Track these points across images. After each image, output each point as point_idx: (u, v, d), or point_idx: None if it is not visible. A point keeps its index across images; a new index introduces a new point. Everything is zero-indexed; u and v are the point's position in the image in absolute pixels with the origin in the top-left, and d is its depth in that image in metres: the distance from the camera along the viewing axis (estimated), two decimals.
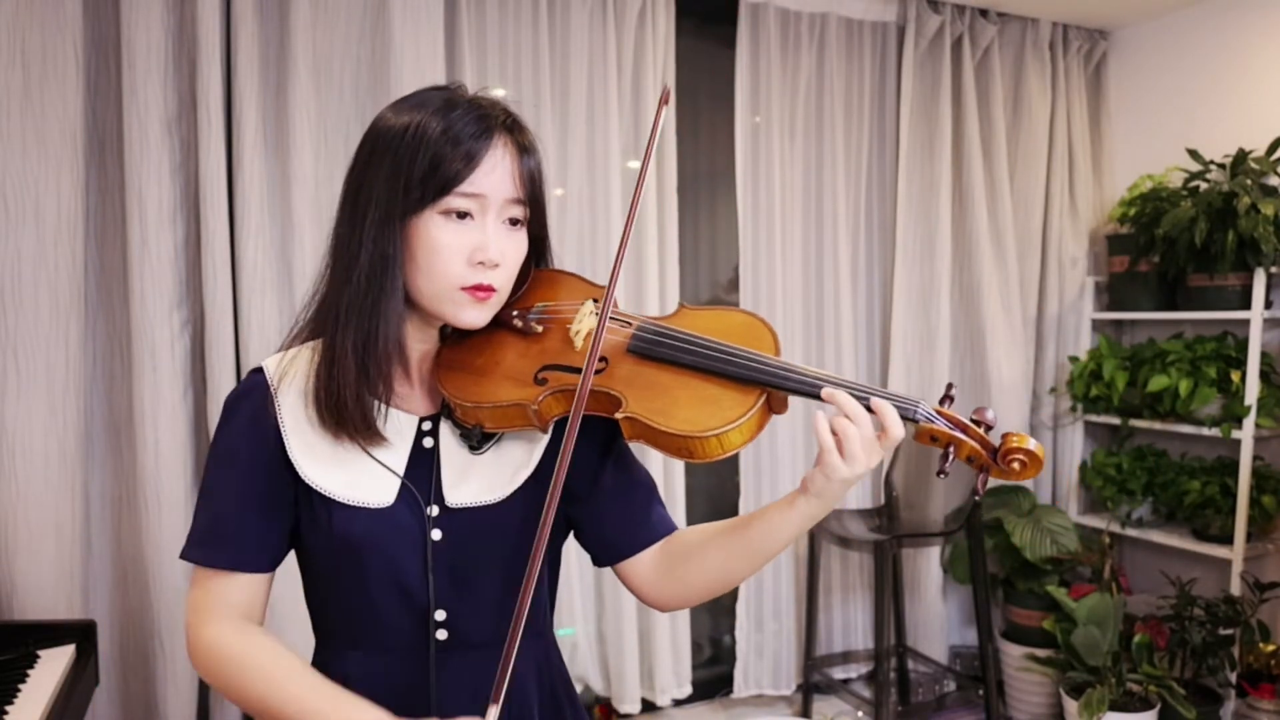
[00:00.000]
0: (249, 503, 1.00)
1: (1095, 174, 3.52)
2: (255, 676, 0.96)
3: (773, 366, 0.96)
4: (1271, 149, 2.85)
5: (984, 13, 3.25)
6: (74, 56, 2.07)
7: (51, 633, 1.76)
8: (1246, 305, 2.89)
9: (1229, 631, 2.77)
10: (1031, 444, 0.93)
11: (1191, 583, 2.86)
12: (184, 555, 1.01)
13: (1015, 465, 0.94)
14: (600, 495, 1.08)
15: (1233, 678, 2.77)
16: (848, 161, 3.18)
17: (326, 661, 1.06)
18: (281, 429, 1.00)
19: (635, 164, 2.83)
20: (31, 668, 1.64)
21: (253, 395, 1.02)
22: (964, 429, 0.96)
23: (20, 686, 1.56)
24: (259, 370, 1.04)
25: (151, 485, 2.17)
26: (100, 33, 2.16)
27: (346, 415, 0.97)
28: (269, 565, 1.02)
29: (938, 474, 0.97)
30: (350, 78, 2.40)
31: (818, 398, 0.94)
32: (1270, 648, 2.76)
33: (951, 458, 0.96)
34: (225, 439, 1.02)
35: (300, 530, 1.04)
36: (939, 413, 0.97)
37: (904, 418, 0.95)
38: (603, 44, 2.73)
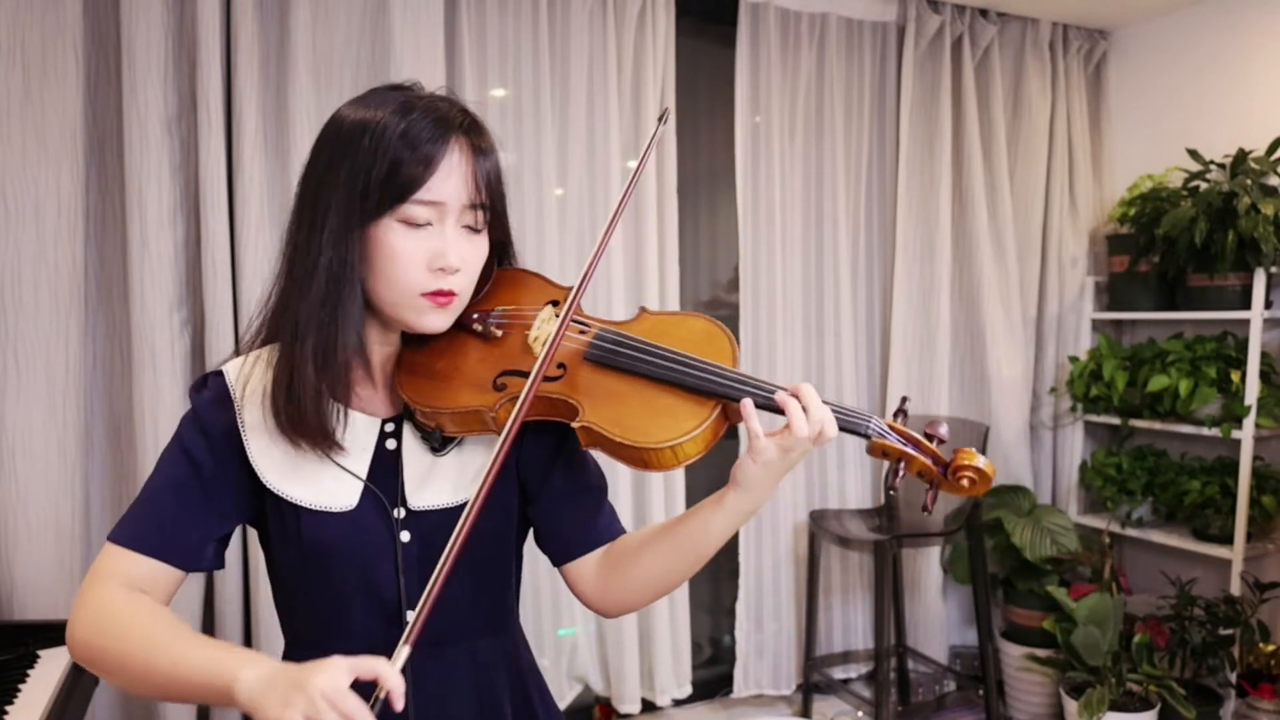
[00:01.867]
0: (179, 498, 0.99)
1: (1095, 174, 3.52)
2: (139, 635, 0.90)
3: (728, 378, 0.96)
4: (1271, 149, 2.85)
5: (984, 13, 3.25)
6: (74, 56, 2.07)
7: (51, 633, 1.76)
8: (1246, 305, 2.89)
9: (1229, 631, 2.77)
10: (981, 461, 0.95)
11: (1191, 583, 2.86)
12: (109, 536, 0.98)
13: (964, 482, 0.96)
14: (550, 496, 1.08)
15: (1233, 678, 2.77)
16: (848, 161, 3.18)
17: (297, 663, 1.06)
18: (243, 436, 0.99)
19: (634, 164, 2.83)
20: (31, 668, 1.64)
21: (216, 399, 1.01)
22: (916, 444, 0.97)
23: (20, 686, 1.56)
24: (219, 374, 1.03)
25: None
26: (100, 33, 2.16)
27: (306, 424, 0.96)
28: (187, 563, 0.99)
29: (887, 490, 0.99)
30: (350, 78, 2.39)
31: (772, 408, 0.94)
32: (1270, 648, 2.76)
33: (902, 473, 0.97)
34: (177, 436, 1.01)
35: (270, 540, 1.04)
36: (891, 428, 0.97)
37: (856, 433, 0.96)
38: (603, 44, 2.73)
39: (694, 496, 3.01)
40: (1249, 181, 2.82)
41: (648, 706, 2.95)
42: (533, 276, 1.11)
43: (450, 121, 0.96)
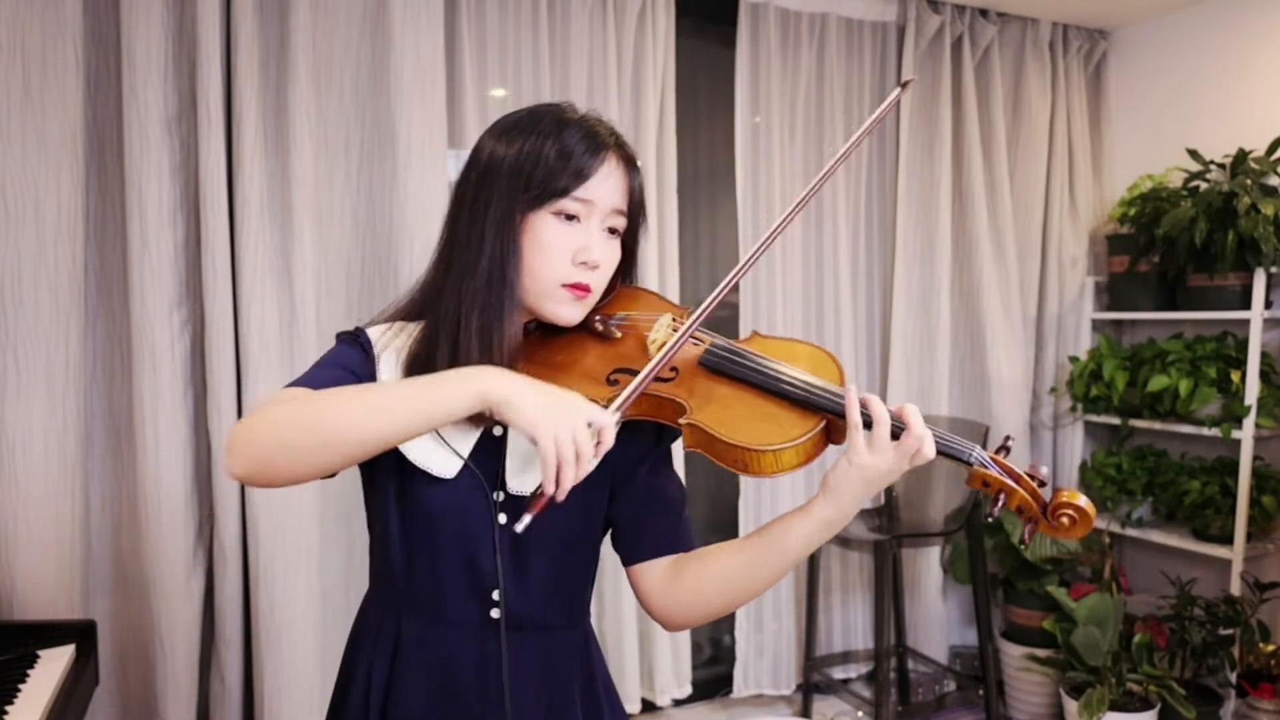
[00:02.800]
0: (352, 375, 1.05)
1: (1095, 174, 3.52)
2: (342, 392, 0.95)
3: (836, 394, 0.99)
4: (1271, 149, 2.85)
5: (984, 13, 3.25)
6: (74, 56, 2.07)
7: (51, 633, 1.76)
8: (1246, 305, 2.89)
9: (1229, 631, 2.77)
10: (1082, 501, 0.97)
11: (1191, 583, 2.86)
12: (289, 383, 1.01)
13: (1064, 520, 0.97)
14: (631, 496, 1.12)
15: (1233, 678, 2.77)
16: (848, 162, 3.17)
17: (381, 625, 1.10)
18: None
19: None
20: (31, 668, 1.64)
21: (360, 346, 1.08)
22: (1018, 480, 0.99)
23: (20, 686, 1.56)
24: (362, 331, 1.10)
25: (151, 485, 2.17)
26: (100, 33, 2.16)
27: None
28: None
29: (986, 517, 1.02)
30: (350, 78, 2.40)
31: (870, 425, 0.97)
32: (1270, 648, 2.76)
33: (1002, 504, 0.99)
34: (347, 352, 1.08)
35: (379, 488, 1.08)
36: (994, 460, 1.00)
37: (957, 459, 0.99)
38: (603, 44, 2.73)
39: (694, 496, 3.01)
40: (1249, 181, 2.81)
41: (648, 706, 2.95)
42: (651, 294, 1.18)
43: (609, 134, 1.07)
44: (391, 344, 1.08)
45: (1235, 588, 2.83)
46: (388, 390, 0.96)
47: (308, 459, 0.91)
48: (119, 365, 2.22)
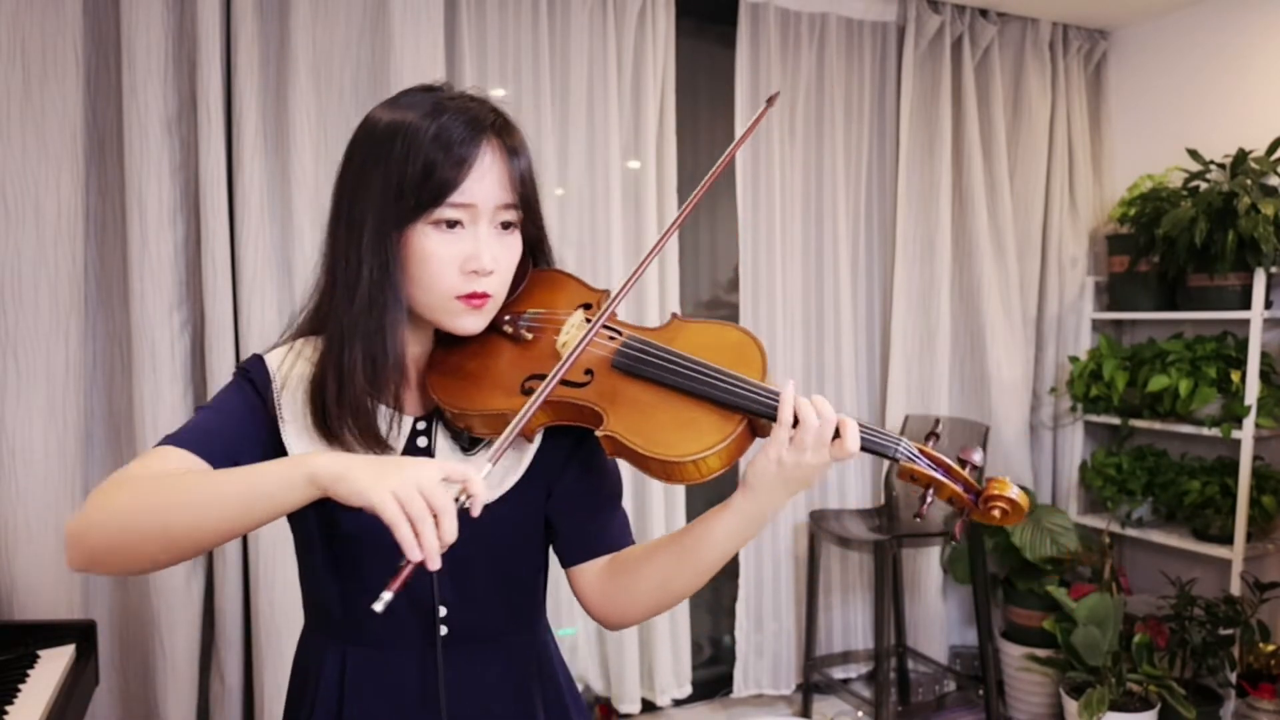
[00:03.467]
0: (239, 425, 0.99)
1: (1095, 174, 3.52)
2: (172, 484, 0.87)
3: (755, 391, 0.94)
4: (1271, 149, 2.85)
5: (984, 13, 3.25)
6: (74, 56, 2.07)
7: (51, 633, 1.76)
8: (1246, 305, 2.89)
9: (1229, 631, 2.77)
10: (1013, 492, 0.93)
11: (1191, 583, 2.86)
12: (163, 439, 0.95)
13: (996, 512, 0.94)
14: (562, 496, 1.08)
15: (1233, 678, 2.77)
16: (848, 161, 3.18)
17: (322, 658, 1.06)
18: (280, 422, 1.00)
19: (635, 164, 2.83)
20: (31, 668, 1.64)
21: (257, 379, 1.02)
22: (947, 470, 0.95)
23: (20, 686, 1.56)
24: (260, 360, 1.04)
25: None
26: (100, 33, 2.16)
27: (357, 425, 0.97)
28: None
29: (915, 516, 0.97)
30: (350, 78, 2.39)
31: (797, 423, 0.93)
32: (1270, 648, 2.76)
33: (931, 499, 0.96)
34: (236, 394, 1.02)
35: (302, 528, 1.04)
36: (922, 452, 0.95)
37: (884, 455, 0.94)
38: (603, 44, 2.73)
39: (694, 496, 3.01)
40: (1249, 181, 2.81)
41: (648, 706, 2.95)
42: (568, 278, 1.10)
43: (482, 122, 0.96)
44: (293, 370, 1.02)
45: (1235, 588, 2.83)
46: (219, 484, 0.85)
47: (144, 556, 0.86)
48: (119, 365, 2.22)
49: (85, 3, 2.11)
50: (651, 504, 2.85)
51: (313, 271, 1.05)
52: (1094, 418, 3.34)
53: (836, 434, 0.92)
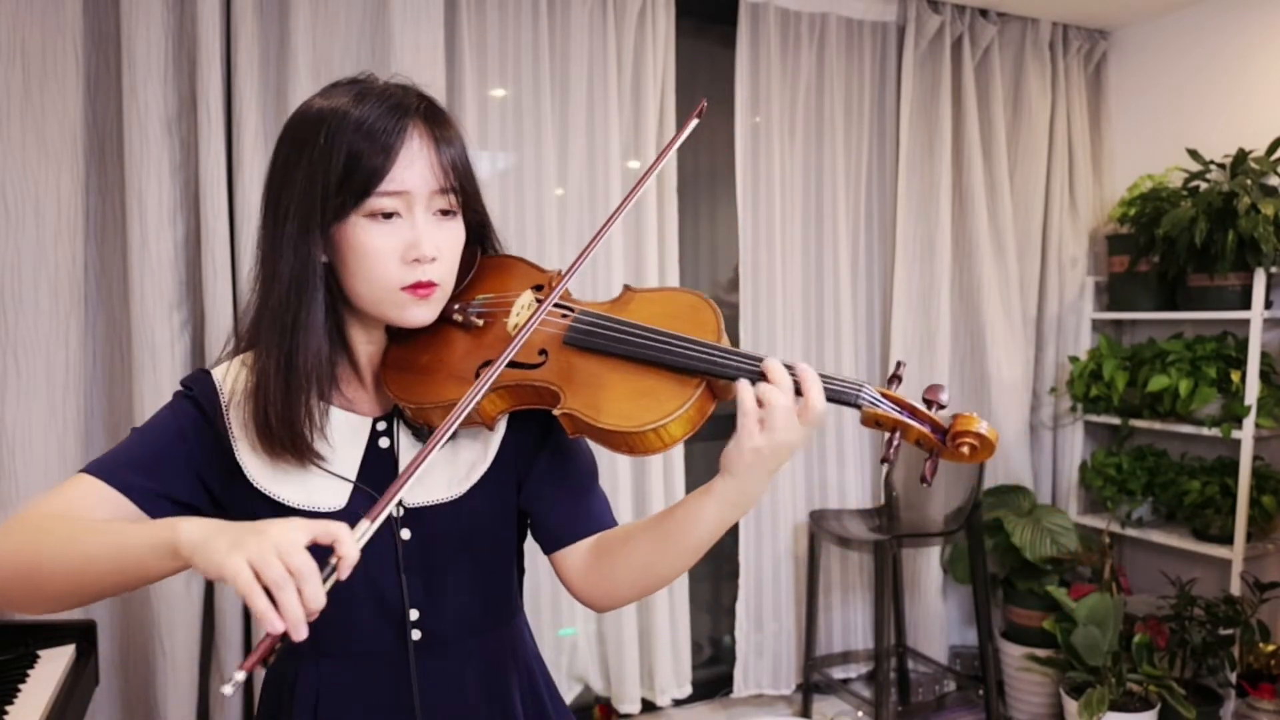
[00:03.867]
0: (167, 453, 0.96)
1: (1095, 174, 3.52)
2: (61, 523, 0.85)
3: (710, 352, 0.92)
4: (1271, 149, 2.85)
5: (984, 13, 3.25)
6: (74, 56, 2.07)
7: (51, 633, 1.75)
8: (1246, 305, 2.89)
9: (1229, 631, 2.77)
10: (982, 426, 0.89)
11: (1191, 583, 2.86)
12: (83, 468, 0.94)
13: (964, 449, 0.89)
14: (537, 483, 1.06)
15: (1233, 678, 2.77)
16: (848, 161, 3.17)
17: (294, 673, 1.03)
18: (232, 439, 0.97)
19: (635, 164, 2.83)
20: (31, 668, 1.64)
21: (202, 398, 1.00)
22: (912, 411, 0.91)
23: (20, 686, 1.56)
24: (207, 375, 1.01)
25: None
26: (100, 33, 2.16)
27: (275, 434, 0.94)
28: (144, 505, 0.94)
29: (881, 461, 0.92)
30: None
31: (759, 378, 0.89)
32: (1270, 648, 2.76)
33: (898, 443, 0.91)
34: (176, 408, 0.99)
35: None
36: (885, 395, 0.91)
37: (845, 402, 0.90)
38: (603, 44, 2.73)
39: (695, 483, 3.01)
40: (1249, 181, 2.81)
41: (648, 706, 2.95)
42: (517, 262, 1.08)
43: (406, 107, 0.94)
44: (238, 384, 0.98)
45: (1235, 588, 2.83)
46: (91, 542, 0.82)
47: (38, 601, 0.85)
48: (119, 365, 2.22)
49: (85, 3, 2.11)
50: (650, 486, 2.84)
51: (249, 276, 1.02)
52: (1094, 418, 3.34)
53: (798, 391, 0.89)
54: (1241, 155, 2.87)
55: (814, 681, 3.14)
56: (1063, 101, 3.41)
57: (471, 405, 0.89)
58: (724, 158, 3.04)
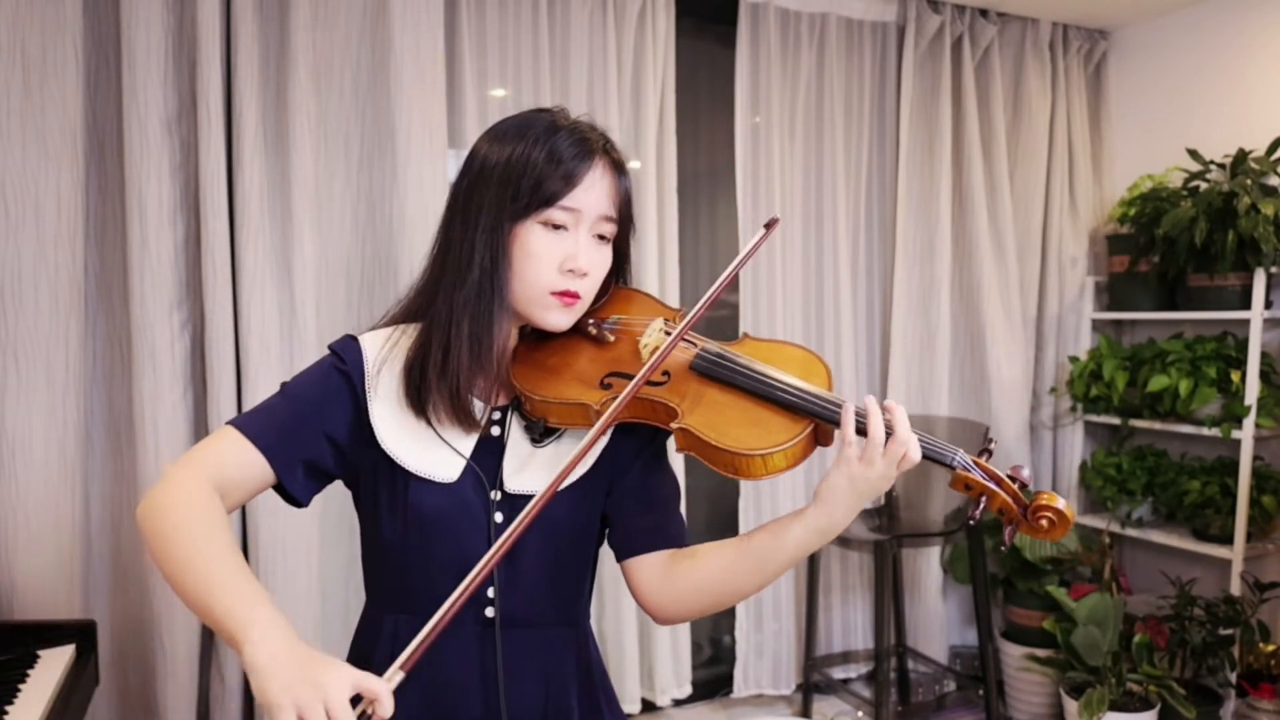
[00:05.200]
0: (307, 419, 1.06)
1: (1095, 174, 3.52)
2: (185, 546, 0.94)
3: (823, 399, 1.02)
4: (1271, 149, 2.85)
5: (984, 13, 3.25)
6: (74, 56, 2.07)
7: (51, 633, 1.76)
8: (1246, 305, 2.89)
9: (1229, 631, 2.77)
10: (1061, 504, 0.98)
11: (1191, 583, 2.86)
12: (231, 420, 1.05)
13: (1044, 523, 0.99)
14: (625, 492, 1.14)
15: (1233, 678, 2.77)
16: (848, 161, 3.18)
17: (378, 619, 1.11)
18: (369, 399, 1.07)
19: (635, 164, 2.83)
20: (31, 668, 1.64)
21: (349, 360, 1.09)
22: (999, 482, 1.01)
23: (20, 686, 1.56)
24: (355, 341, 1.11)
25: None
26: (100, 33, 2.16)
27: (454, 403, 1.05)
28: (281, 473, 1.05)
29: (968, 521, 1.05)
30: (350, 78, 2.39)
31: (861, 429, 0.99)
32: (1270, 648, 2.76)
33: (983, 507, 1.01)
34: (323, 368, 1.09)
35: (374, 499, 1.10)
36: (976, 463, 1.02)
37: (941, 463, 1.01)
38: (603, 44, 2.73)
39: (694, 495, 3.01)
40: (1249, 181, 2.81)
41: (648, 706, 2.95)
42: (645, 296, 1.20)
43: (593, 142, 1.08)
44: (393, 350, 1.10)
45: (1235, 588, 2.83)
46: (193, 579, 0.92)
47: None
48: (119, 365, 2.22)
49: (85, 3, 2.11)
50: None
51: (419, 265, 1.14)
52: (1094, 418, 3.34)
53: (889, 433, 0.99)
54: (1241, 155, 2.87)
55: (814, 681, 3.14)
56: (1063, 101, 3.41)
57: (616, 410, 1.00)
58: (724, 158, 3.04)
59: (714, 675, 3.19)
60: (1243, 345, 2.93)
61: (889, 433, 0.98)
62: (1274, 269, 2.84)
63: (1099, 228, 3.52)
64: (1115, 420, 3.24)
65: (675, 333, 1.05)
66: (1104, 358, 3.23)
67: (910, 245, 3.23)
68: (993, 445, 1.06)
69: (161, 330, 2.17)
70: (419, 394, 1.06)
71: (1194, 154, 3.01)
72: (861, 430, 0.99)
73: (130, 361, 2.19)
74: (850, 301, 3.19)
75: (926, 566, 3.27)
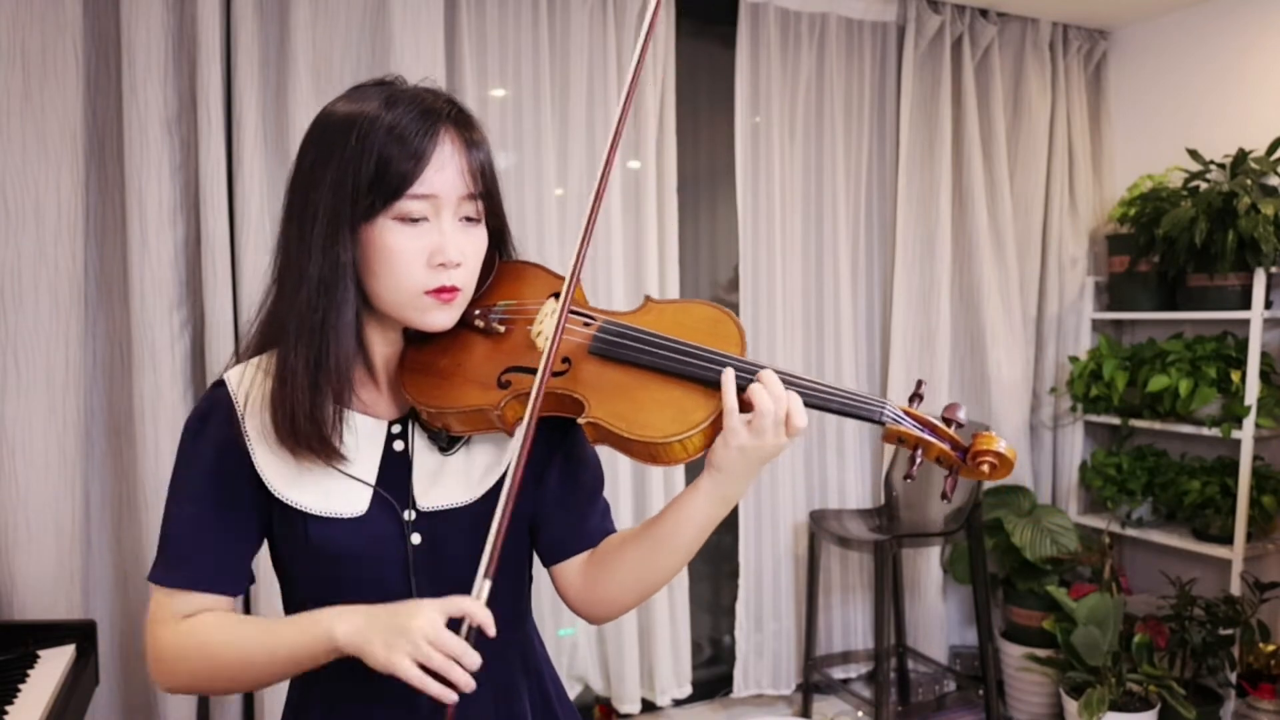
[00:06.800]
0: (207, 527, 0.98)
1: (1095, 174, 3.52)
2: (226, 652, 0.93)
3: (737, 366, 0.94)
4: (1271, 149, 2.85)
5: (984, 13, 3.25)
6: (74, 56, 2.07)
7: (51, 633, 1.76)
8: (1246, 305, 2.89)
9: (1229, 631, 2.77)
10: (1001, 445, 0.92)
11: (1191, 583, 2.86)
12: (150, 577, 0.99)
13: (984, 467, 0.93)
14: (544, 495, 1.07)
15: (1233, 678, 2.77)
16: (848, 161, 3.17)
17: (309, 674, 1.02)
18: (249, 446, 0.97)
19: (635, 164, 2.83)
20: (31, 668, 1.64)
21: (216, 413, 0.99)
22: (932, 429, 0.94)
23: (20, 686, 1.56)
24: (221, 384, 1.01)
25: (151, 485, 2.17)
26: (100, 33, 2.16)
27: (301, 434, 0.94)
28: (228, 588, 1.00)
29: (904, 478, 0.96)
30: (350, 78, 2.39)
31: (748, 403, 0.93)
32: (1270, 648, 2.76)
33: (919, 460, 0.95)
34: (186, 463, 1.00)
35: (277, 546, 1.03)
36: (906, 413, 0.94)
37: (869, 419, 0.94)
38: (603, 44, 2.73)
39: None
40: (1249, 181, 2.82)
41: (648, 706, 2.95)
42: (535, 268, 1.08)
43: (438, 112, 0.94)
44: (253, 387, 0.98)
45: (1235, 588, 2.83)
46: (270, 644, 0.92)
47: (234, 688, 0.97)
48: (119, 365, 2.22)
49: (85, 3, 2.11)
50: (651, 489, 2.84)
51: (263, 279, 1.01)
52: (1094, 418, 3.34)
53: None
54: (1241, 155, 2.87)
55: (814, 681, 3.14)
56: (1063, 101, 3.41)
57: (537, 398, 0.91)
58: (724, 158, 3.04)
59: (714, 675, 3.19)
60: (1243, 345, 2.93)
61: (780, 407, 0.91)
62: (1274, 269, 2.84)
63: (1099, 228, 3.52)
64: (1115, 420, 3.24)
65: (558, 318, 0.94)
66: (1104, 358, 3.23)
67: (910, 245, 3.23)
68: (923, 389, 0.98)
69: (161, 330, 2.17)
70: (292, 433, 0.93)
71: (1194, 154, 3.01)
72: (745, 394, 0.92)
73: (130, 361, 2.19)
74: (850, 301, 3.19)
75: (926, 566, 3.27)
